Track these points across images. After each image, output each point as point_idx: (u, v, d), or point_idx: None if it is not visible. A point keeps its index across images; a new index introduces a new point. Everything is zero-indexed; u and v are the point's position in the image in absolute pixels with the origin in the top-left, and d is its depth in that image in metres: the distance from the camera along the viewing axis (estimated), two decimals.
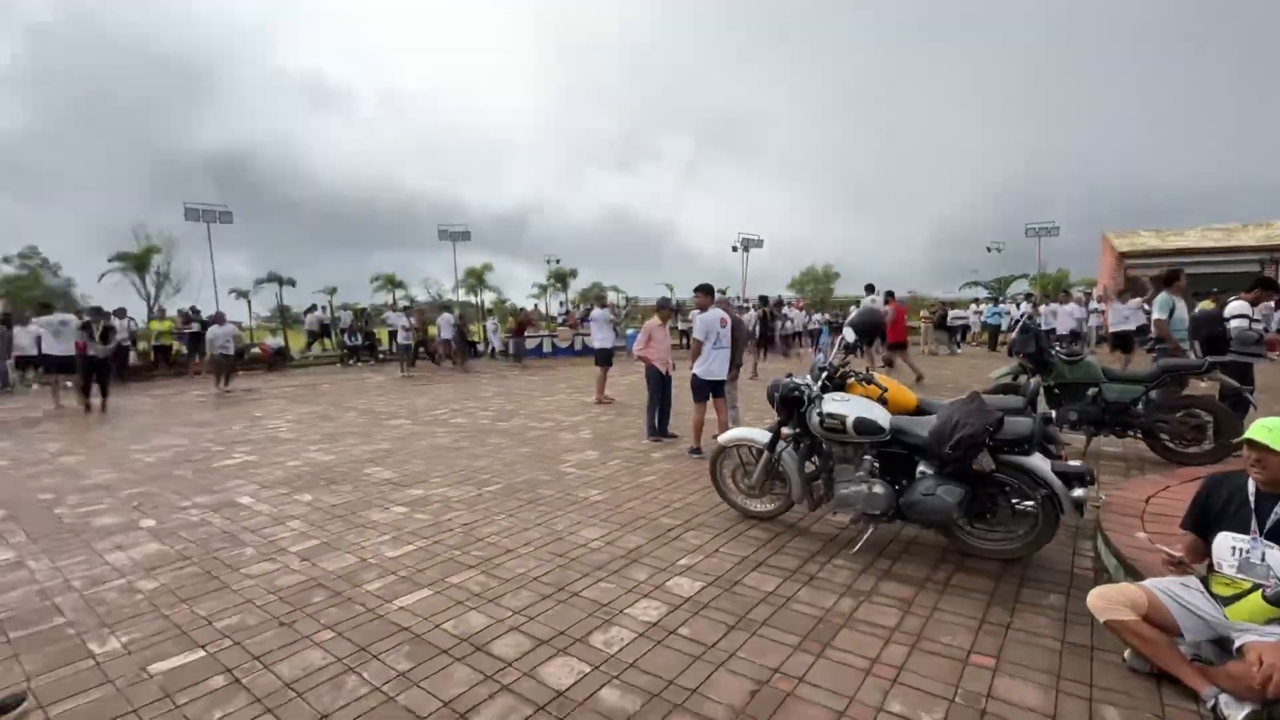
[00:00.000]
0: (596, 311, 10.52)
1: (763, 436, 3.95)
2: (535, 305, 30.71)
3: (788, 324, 18.48)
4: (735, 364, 6.25)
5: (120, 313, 14.74)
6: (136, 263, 27.96)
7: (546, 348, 18.99)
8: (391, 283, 32.25)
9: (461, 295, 33.02)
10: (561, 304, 35.46)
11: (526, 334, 18.64)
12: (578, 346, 18.43)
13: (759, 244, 30.86)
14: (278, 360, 17.26)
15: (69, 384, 10.17)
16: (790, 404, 3.73)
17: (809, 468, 3.81)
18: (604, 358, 9.63)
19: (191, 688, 2.32)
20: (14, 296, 24.99)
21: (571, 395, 10.34)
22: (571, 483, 4.99)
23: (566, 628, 2.70)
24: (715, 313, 5.78)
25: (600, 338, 9.87)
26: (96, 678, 2.40)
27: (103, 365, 9.84)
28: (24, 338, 12.24)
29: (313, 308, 23.24)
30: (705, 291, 5.93)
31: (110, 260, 27.63)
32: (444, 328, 16.91)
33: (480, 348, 20.35)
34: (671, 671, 2.37)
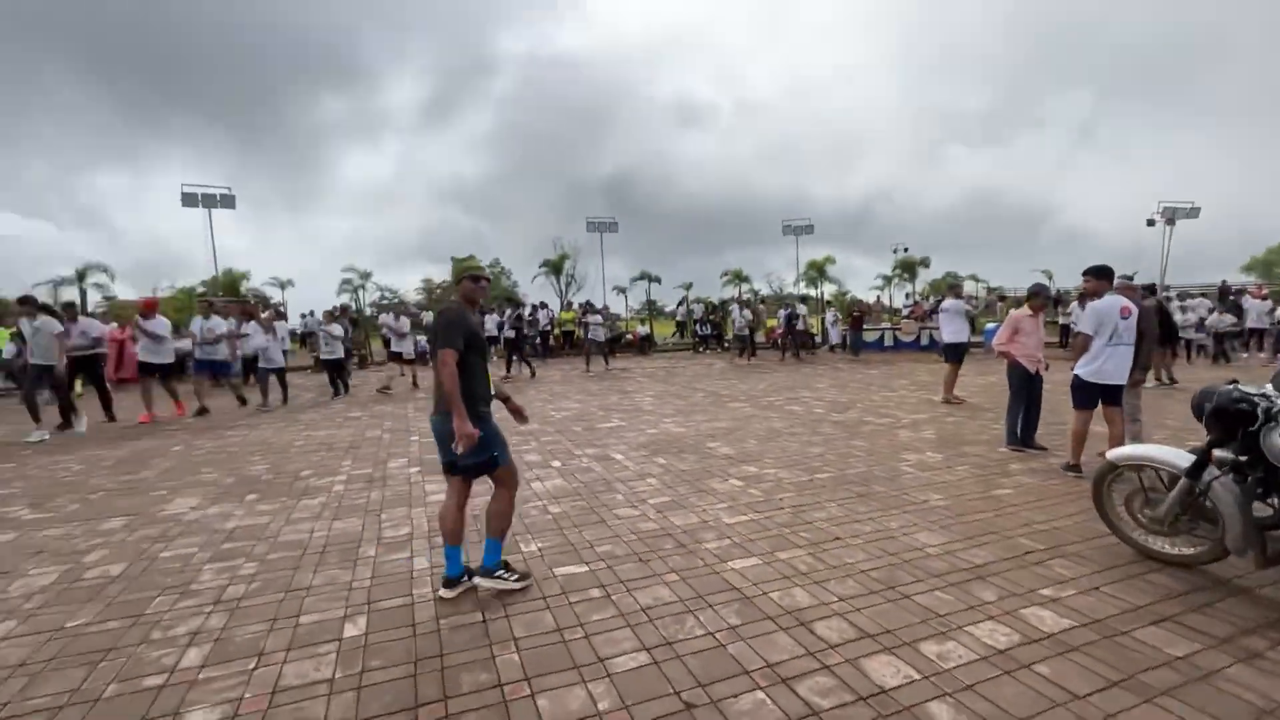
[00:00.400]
0: (949, 302, 9.42)
1: (1181, 459, 3.05)
2: (877, 297, 29.04)
3: (1215, 318, 13.51)
4: (1140, 365, 4.90)
5: (543, 305, 19.44)
6: (554, 268, 36.09)
7: (887, 341, 17.84)
8: (738, 277, 34.46)
9: (802, 288, 33.30)
10: (907, 295, 32.72)
11: (865, 326, 17.82)
12: (924, 341, 16.82)
13: (1192, 214, 23.18)
14: (645, 345, 20.24)
15: (514, 358, 13.89)
16: (1233, 420, 2.78)
17: (1263, 510, 2.80)
18: (955, 353, 8.61)
19: (579, 592, 2.99)
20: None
21: (913, 392, 9.54)
22: (909, 482, 4.66)
23: (895, 628, 2.59)
24: (1114, 300, 4.62)
25: (952, 330, 8.84)
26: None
27: (516, 345, 13.39)
28: (489, 323, 17.12)
29: (683, 301, 26.51)
30: (1101, 275, 4.77)
31: (539, 266, 36.35)
32: (784, 319, 17.46)
33: (817, 340, 20.28)
34: (1021, 709, 2.07)
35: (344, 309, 15.27)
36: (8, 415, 9.02)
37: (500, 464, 3.01)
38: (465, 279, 3.02)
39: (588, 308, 20.31)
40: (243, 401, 9.61)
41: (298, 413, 9.09)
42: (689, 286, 33.94)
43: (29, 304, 7.85)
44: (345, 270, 34.60)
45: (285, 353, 13.68)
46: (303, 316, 22.78)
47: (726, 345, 20.46)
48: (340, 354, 10.82)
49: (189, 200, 20.52)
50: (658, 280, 33.05)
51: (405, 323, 12.08)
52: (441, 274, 45.55)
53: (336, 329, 10.72)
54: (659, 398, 9.63)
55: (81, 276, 26.88)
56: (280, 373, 9.81)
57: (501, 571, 3.03)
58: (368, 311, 32.45)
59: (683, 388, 10.83)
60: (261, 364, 9.67)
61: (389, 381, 11.53)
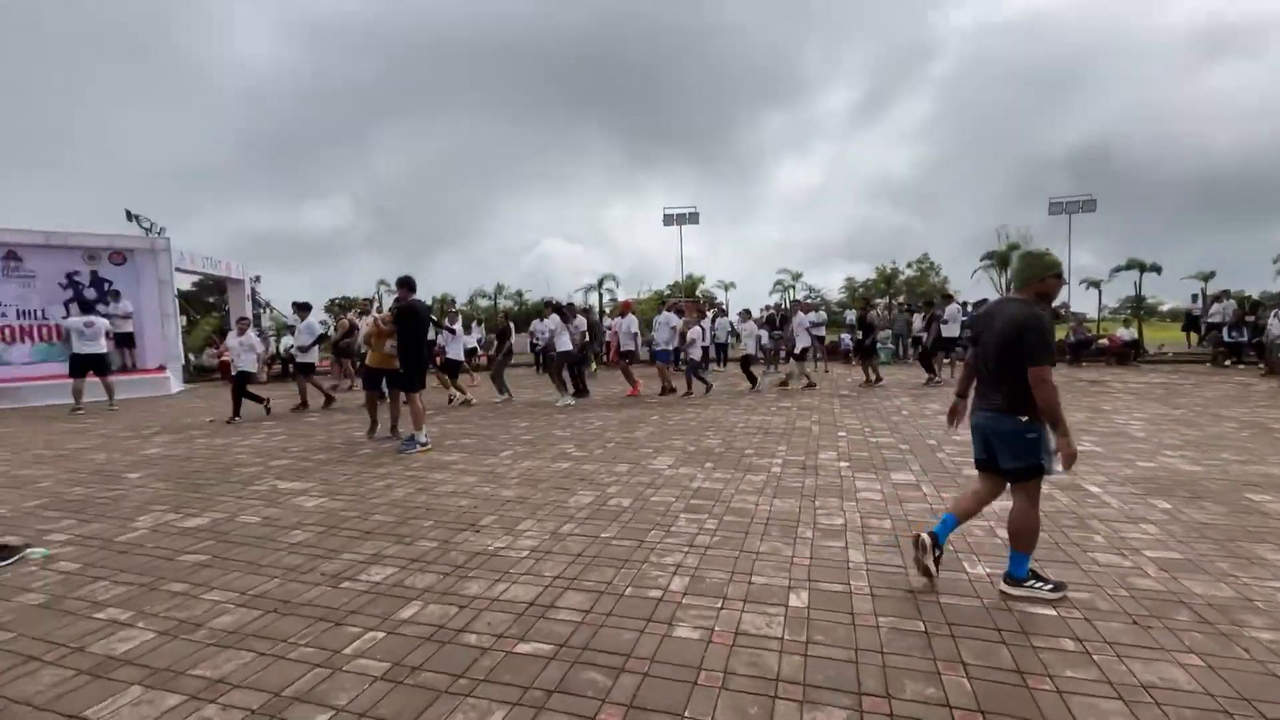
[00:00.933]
0: None
1: None
2: None
3: None
4: None
5: (982, 303, 17.30)
6: (1000, 260, 31.53)
7: None
8: None
9: None
10: None
11: None
12: None
13: None
14: (1128, 353, 15.79)
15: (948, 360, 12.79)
16: None
17: None
18: None
19: (1045, 637, 2.55)
20: (911, 291, 33.02)
21: None
22: None
23: None
24: None
25: None
26: (968, 589, 3.00)
27: (947, 343, 12.33)
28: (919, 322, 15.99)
29: (1199, 297, 19.84)
30: None
31: (980, 260, 32.31)
32: None
33: None
34: None
35: (778, 306, 16.54)
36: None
37: (1043, 472, 2.87)
38: (1050, 277, 2.88)
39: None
40: (671, 390, 11.56)
41: (737, 399, 10.37)
42: (1208, 277, 25.01)
43: (548, 306, 11.24)
44: (779, 272, 37.66)
45: (723, 347, 15.82)
46: (739, 314, 25.81)
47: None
48: (751, 349, 11.93)
49: (668, 220, 25.65)
50: (1155, 270, 25.28)
51: (803, 319, 12.51)
52: (864, 273, 44.99)
53: (750, 326, 12.00)
54: (1154, 422, 7.37)
55: (600, 283, 36.77)
56: (695, 365, 11.28)
57: (1033, 581, 2.90)
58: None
59: (1195, 412, 8.02)
60: (690, 356, 11.41)
61: (786, 376, 12.21)
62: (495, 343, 11.32)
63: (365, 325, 10.43)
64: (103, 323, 11.09)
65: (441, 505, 4.58)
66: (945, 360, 12.73)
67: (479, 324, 20.71)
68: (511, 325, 14.01)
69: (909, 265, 44.17)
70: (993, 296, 27.79)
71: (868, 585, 3.07)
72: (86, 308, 13.15)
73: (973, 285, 34.45)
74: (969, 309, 17.44)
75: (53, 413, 10.55)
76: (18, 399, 11.67)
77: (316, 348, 10.82)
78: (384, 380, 7.70)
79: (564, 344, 10.64)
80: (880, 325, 19.19)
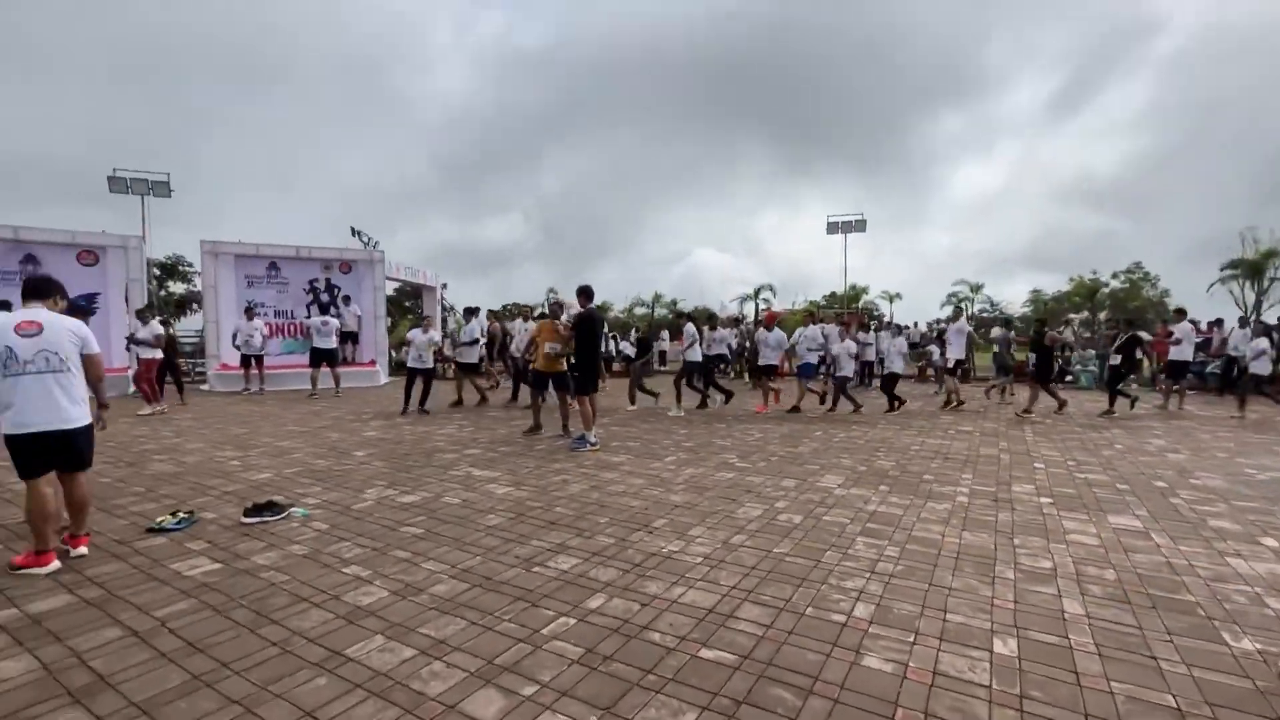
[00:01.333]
0: None
1: None
2: None
3: None
4: None
5: (1263, 325, 14.44)
6: (1252, 269, 26.16)
7: None
8: None
9: None
10: None
11: None
12: None
13: None
14: None
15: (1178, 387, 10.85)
16: None
17: None
18: None
19: None
20: (1118, 305, 28.52)
21: None
22: None
23: None
24: None
25: None
26: (1232, 665, 2.50)
27: (1178, 368, 10.54)
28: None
29: None
30: None
31: (1221, 269, 26.99)
32: None
33: None
34: None
35: (950, 320, 15.22)
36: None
37: None
38: None
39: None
40: (822, 400, 11.02)
41: (910, 419, 9.65)
42: None
43: (680, 316, 11.20)
44: (955, 284, 34.53)
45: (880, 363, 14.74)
46: (889, 329, 24.02)
47: None
48: (899, 368, 10.93)
49: (831, 228, 24.70)
50: None
51: (964, 324, 11.27)
52: (1054, 284, 39.82)
53: (900, 343, 11.10)
54: None
55: (757, 293, 36.46)
56: (841, 382, 10.50)
57: None
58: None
59: None
60: (842, 373, 10.74)
61: (949, 395, 11.09)
62: (637, 350, 11.69)
63: (524, 332, 11.29)
64: (334, 322, 13.17)
65: (615, 504, 4.80)
66: (1174, 388, 10.77)
67: (635, 331, 21.44)
68: (666, 332, 14.29)
69: (1114, 276, 38.05)
70: (1235, 313, 23.12)
71: (1092, 642, 2.69)
72: (322, 310, 15.73)
73: (1207, 300, 28.66)
74: (1205, 328, 14.70)
75: (296, 397, 12.74)
76: (279, 383, 14.23)
77: (477, 349, 11.80)
78: (549, 382, 8.24)
79: (693, 354, 10.66)
80: (1081, 345, 16.80)
